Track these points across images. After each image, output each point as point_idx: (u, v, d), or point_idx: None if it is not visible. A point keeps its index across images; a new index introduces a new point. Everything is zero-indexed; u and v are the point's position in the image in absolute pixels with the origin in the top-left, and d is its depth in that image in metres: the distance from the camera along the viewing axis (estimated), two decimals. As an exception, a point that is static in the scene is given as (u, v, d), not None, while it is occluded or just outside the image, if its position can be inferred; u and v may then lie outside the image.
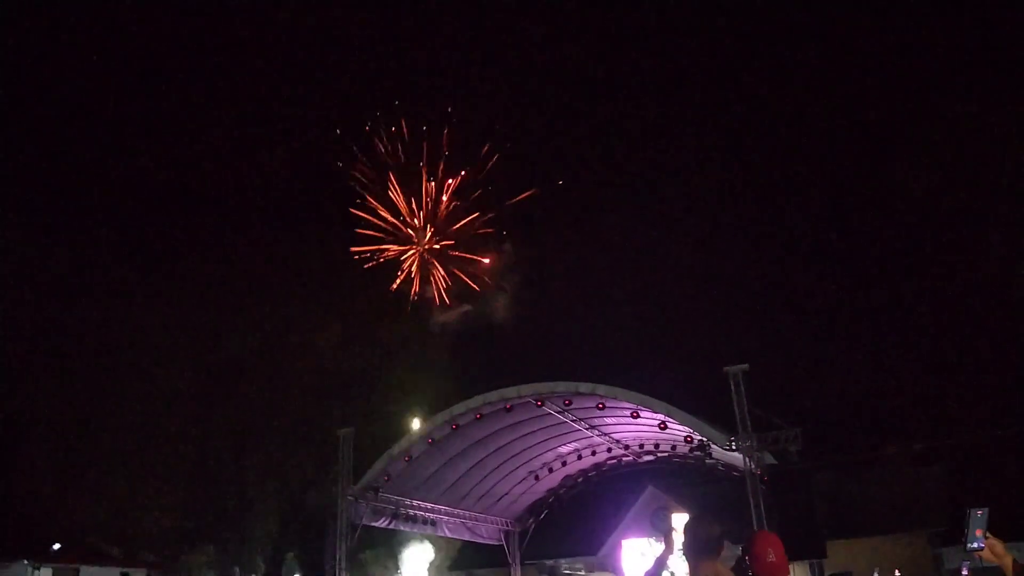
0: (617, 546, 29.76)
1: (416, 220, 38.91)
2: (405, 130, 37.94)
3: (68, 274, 37.47)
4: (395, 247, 38.80)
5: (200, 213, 48.72)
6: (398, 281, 38.91)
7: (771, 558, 3.77)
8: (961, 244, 33.76)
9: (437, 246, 39.57)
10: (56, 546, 32.50)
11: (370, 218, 38.26)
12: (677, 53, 58.92)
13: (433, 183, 38.51)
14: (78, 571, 32.68)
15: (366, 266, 38.79)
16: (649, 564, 4.54)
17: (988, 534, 3.57)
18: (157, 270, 39.69)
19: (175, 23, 57.53)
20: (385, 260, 39.06)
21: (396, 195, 38.18)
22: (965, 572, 19.91)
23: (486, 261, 40.17)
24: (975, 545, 3.61)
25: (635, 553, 28.72)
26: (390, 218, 38.55)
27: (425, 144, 37.85)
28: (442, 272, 39.75)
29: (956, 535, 27.13)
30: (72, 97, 49.93)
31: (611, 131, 61.43)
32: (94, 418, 34.79)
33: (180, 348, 36.19)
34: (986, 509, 3.57)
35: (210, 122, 55.97)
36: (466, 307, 41.39)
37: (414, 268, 39.13)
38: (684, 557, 3.94)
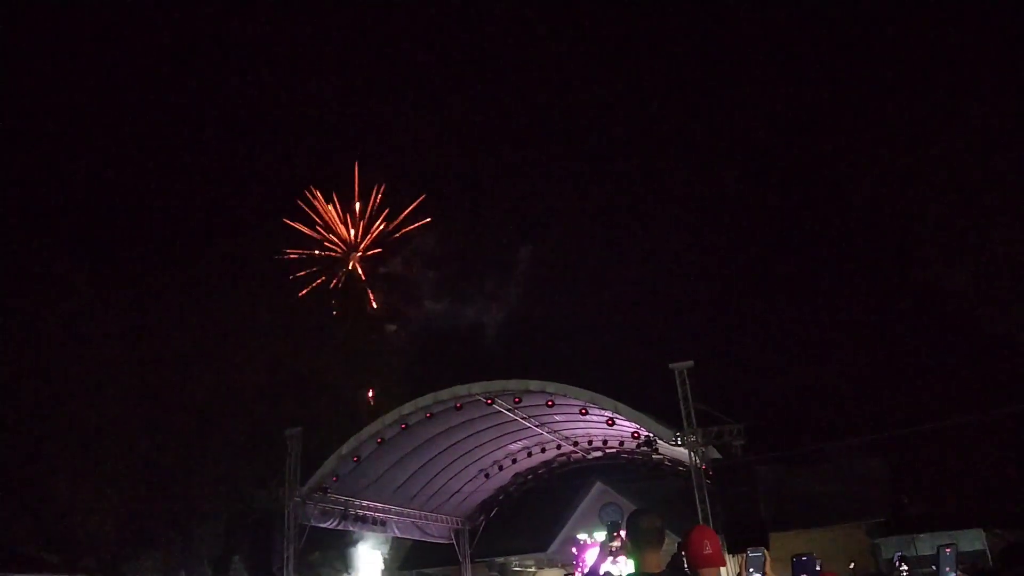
0: (570, 541, 30.00)
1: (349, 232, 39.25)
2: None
3: (6, 271, 36.36)
4: (327, 249, 39.03)
5: (146, 215, 47.81)
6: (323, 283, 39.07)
7: (707, 550, 3.94)
8: (899, 244, 34.79)
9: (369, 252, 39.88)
10: (-11, 553, 31.48)
11: (305, 229, 38.42)
12: (625, 60, 59.62)
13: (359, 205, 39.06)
14: (13, 580, 31.70)
15: (296, 275, 38.84)
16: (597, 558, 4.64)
17: (959, 571, 3.71)
18: (100, 270, 38.75)
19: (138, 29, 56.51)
20: (315, 270, 39.24)
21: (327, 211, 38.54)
22: (898, 563, 20.61)
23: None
24: None
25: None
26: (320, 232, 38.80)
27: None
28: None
29: (893, 526, 27.97)
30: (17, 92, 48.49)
31: (560, 133, 61.98)
32: (30, 419, 33.80)
33: (123, 348, 35.36)
34: (955, 546, 3.74)
35: (161, 125, 55.11)
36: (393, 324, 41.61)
37: (343, 273, 39.41)
38: (627, 549, 4.04)
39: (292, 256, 40.22)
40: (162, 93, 58.42)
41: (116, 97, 56.17)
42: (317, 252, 41.08)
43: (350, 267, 40.40)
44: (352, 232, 42.30)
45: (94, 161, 48.38)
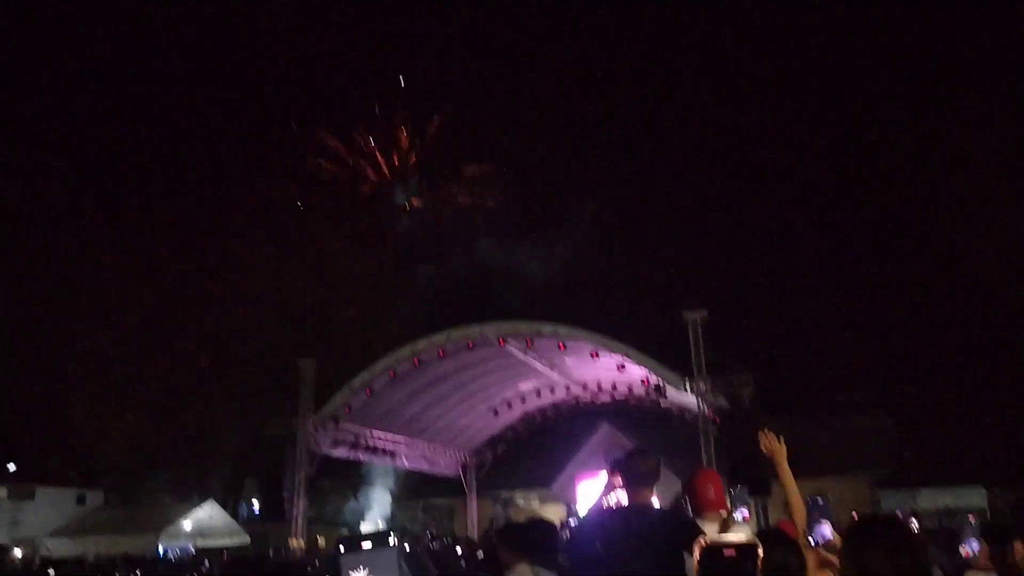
0: (572, 479, 30.51)
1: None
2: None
3: (21, 207, 36.55)
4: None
5: (159, 147, 47.69)
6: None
7: (711, 494, 4.06)
8: (917, 205, 34.43)
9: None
10: (11, 466, 32.35)
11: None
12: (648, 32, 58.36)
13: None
14: (34, 492, 32.59)
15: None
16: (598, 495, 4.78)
17: (982, 540, 3.76)
18: (113, 202, 38.90)
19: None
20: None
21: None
22: (900, 516, 20.88)
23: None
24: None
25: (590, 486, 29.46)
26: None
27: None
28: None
29: (896, 480, 28.12)
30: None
31: (577, 80, 61.10)
32: (51, 345, 34.42)
33: (139, 278, 35.70)
34: (980, 514, 3.83)
35: (172, 65, 54.63)
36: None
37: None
38: (623, 488, 4.16)
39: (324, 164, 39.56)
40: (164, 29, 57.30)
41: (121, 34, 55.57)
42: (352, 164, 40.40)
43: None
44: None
45: (103, 92, 48.17)
